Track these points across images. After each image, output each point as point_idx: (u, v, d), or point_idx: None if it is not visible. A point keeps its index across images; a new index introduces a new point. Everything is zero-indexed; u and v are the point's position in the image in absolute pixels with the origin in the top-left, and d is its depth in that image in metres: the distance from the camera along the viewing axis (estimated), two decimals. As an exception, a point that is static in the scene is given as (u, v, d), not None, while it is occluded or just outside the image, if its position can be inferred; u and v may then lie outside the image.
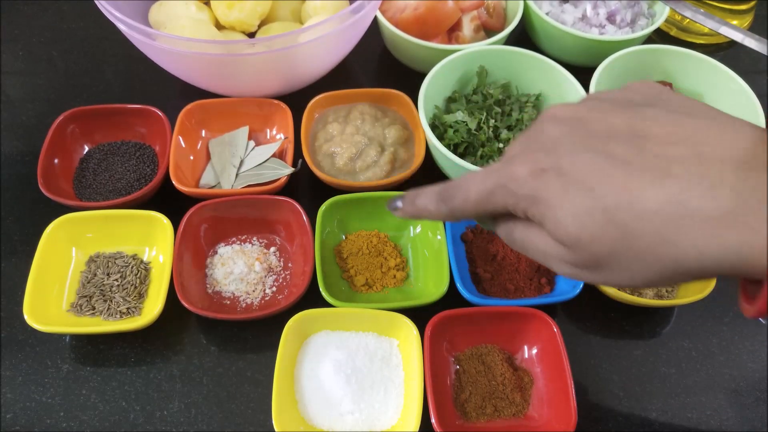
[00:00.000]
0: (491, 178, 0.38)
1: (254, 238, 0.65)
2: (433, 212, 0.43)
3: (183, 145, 0.68)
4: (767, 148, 0.30)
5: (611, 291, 0.58)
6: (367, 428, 0.53)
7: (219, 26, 0.75)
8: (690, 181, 0.30)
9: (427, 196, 0.43)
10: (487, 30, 0.80)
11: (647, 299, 0.59)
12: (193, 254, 0.62)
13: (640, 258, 0.32)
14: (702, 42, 0.87)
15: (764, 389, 0.58)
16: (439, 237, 0.62)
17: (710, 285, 0.58)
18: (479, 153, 0.67)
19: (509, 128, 0.69)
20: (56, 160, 0.67)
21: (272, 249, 0.64)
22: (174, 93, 0.78)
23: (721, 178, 0.30)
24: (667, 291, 0.61)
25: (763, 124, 0.65)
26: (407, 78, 0.76)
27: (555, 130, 0.37)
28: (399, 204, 0.46)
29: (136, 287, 0.60)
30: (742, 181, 0.29)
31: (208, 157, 0.70)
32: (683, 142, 0.32)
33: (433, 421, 0.50)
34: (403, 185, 0.67)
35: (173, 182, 0.64)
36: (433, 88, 0.69)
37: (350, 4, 0.70)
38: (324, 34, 0.63)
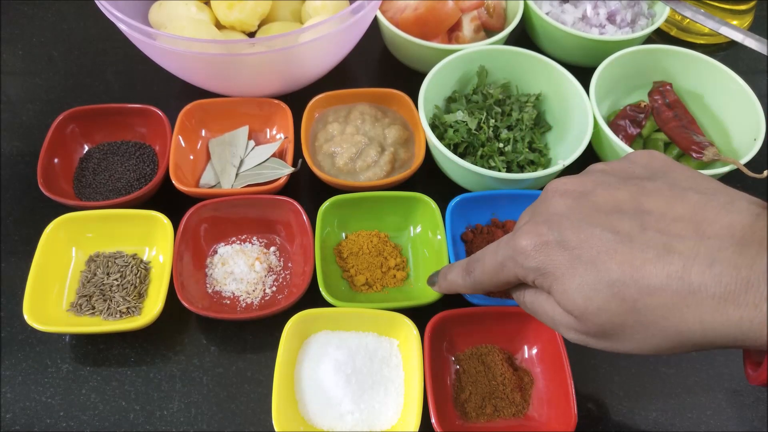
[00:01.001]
0: (502, 251, 0.41)
1: (254, 238, 0.65)
2: (461, 285, 0.47)
3: (183, 145, 0.68)
4: (766, 224, 0.31)
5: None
6: (367, 428, 0.53)
7: (219, 26, 0.75)
8: (691, 257, 0.32)
9: (455, 271, 0.48)
10: (487, 30, 0.80)
11: None
12: (193, 254, 0.62)
13: (645, 330, 0.33)
14: (702, 42, 0.87)
15: (764, 389, 0.58)
16: (439, 237, 0.62)
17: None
18: (479, 153, 0.67)
19: (509, 128, 0.69)
20: (56, 160, 0.67)
21: (272, 249, 0.64)
22: (174, 93, 0.78)
23: (721, 254, 0.31)
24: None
25: (763, 124, 0.66)
26: (407, 78, 0.76)
27: (560, 204, 0.38)
28: (436, 280, 0.52)
29: (136, 287, 0.60)
30: (742, 258, 0.30)
31: (208, 157, 0.70)
32: (684, 218, 0.33)
33: (433, 421, 0.50)
34: (403, 185, 0.67)
35: (173, 182, 0.64)
36: (433, 88, 0.69)
37: (350, 4, 0.70)
38: (324, 34, 0.63)
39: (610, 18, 0.80)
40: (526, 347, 0.58)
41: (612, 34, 0.79)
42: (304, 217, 0.62)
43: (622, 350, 0.36)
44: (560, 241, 0.36)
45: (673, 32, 0.88)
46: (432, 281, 0.52)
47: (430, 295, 0.58)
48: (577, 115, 0.68)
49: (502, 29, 0.79)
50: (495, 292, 0.60)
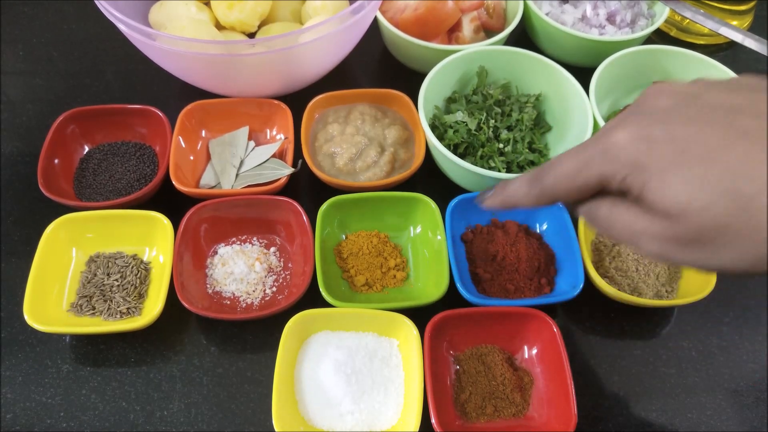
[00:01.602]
0: (587, 149, 0.37)
1: (254, 239, 0.65)
2: (523, 196, 0.42)
3: (183, 145, 0.68)
4: None
5: (611, 291, 0.58)
6: (367, 428, 0.53)
7: (219, 26, 0.75)
8: None
9: (519, 180, 0.43)
10: (487, 30, 0.80)
11: (647, 299, 0.59)
12: (193, 254, 0.62)
13: (752, 235, 0.30)
14: (702, 42, 0.87)
15: (764, 389, 0.58)
16: (439, 237, 0.62)
17: (710, 285, 0.58)
18: (479, 153, 0.67)
19: (509, 128, 0.69)
20: (56, 160, 0.67)
21: (272, 249, 0.65)
22: (174, 93, 0.78)
23: None
24: (666, 291, 0.61)
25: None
26: (407, 78, 0.76)
27: (666, 101, 0.35)
28: (489, 194, 0.45)
29: (136, 287, 0.60)
30: None
31: (208, 157, 0.70)
32: None
33: (433, 421, 0.50)
34: (403, 185, 0.67)
35: (173, 182, 0.64)
36: (433, 89, 0.69)
37: (350, 4, 0.70)
38: (324, 35, 0.63)
39: (610, 18, 0.80)
40: (526, 347, 0.58)
41: (612, 34, 0.79)
42: (304, 218, 0.62)
43: (714, 263, 0.32)
44: (666, 134, 0.33)
45: (673, 32, 0.88)
46: (482, 198, 0.46)
47: (430, 295, 0.58)
48: (577, 115, 0.68)
49: (502, 29, 0.79)
50: (495, 293, 0.60)
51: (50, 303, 0.58)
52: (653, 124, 0.34)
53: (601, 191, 0.37)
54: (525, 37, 0.85)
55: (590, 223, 0.39)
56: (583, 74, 0.70)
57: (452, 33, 0.78)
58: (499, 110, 0.70)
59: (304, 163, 0.67)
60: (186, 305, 0.56)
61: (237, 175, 0.67)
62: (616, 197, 0.37)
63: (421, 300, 0.58)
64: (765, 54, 0.75)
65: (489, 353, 0.57)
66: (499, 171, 0.66)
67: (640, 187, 0.34)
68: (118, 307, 0.59)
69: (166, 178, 0.65)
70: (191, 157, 0.69)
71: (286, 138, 0.69)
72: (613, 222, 0.37)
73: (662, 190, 0.33)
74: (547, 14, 0.80)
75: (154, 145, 0.71)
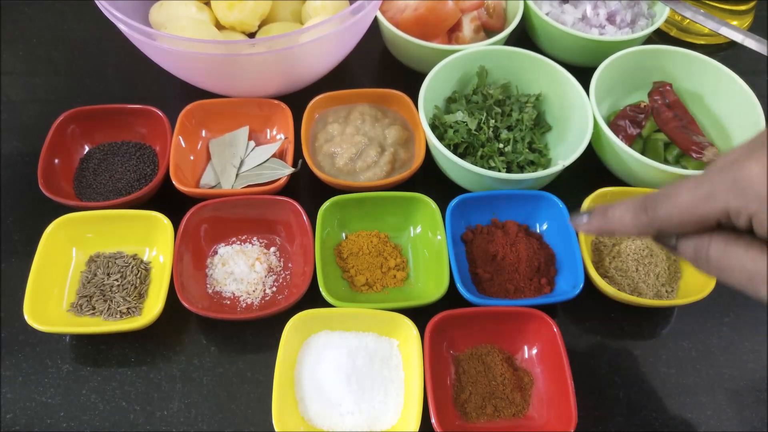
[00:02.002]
0: (712, 179, 0.36)
1: (254, 239, 0.65)
2: (629, 223, 0.41)
3: (183, 145, 0.68)
4: None
5: (611, 291, 0.58)
6: (367, 428, 0.53)
7: (219, 26, 0.75)
8: None
9: (622, 208, 0.41)
10: (487, 30, 0.80)
11: (647, 299, 0.59)
12: (193, 254, 0.62)
13: None
14: (702, 42, 0.87)
15: (764, 389, 0.58)
16: (439, 237, 0.62)
17: (710, 285, 0.58)
18: (479, 153, 0.67)
19: (509, 128, 0.69)
20: (56, 160, 0.67)
21: (272, 249, 0.65)
22: (174, 93, 0.78)
23: None
24: (666, 291, 0.61)
25: (763, 125, 0.65)
26: (407, 78, 0.76)
27: None
28: (584, 219, 0.44)
29: (136, 287, 0.60)
30: None
31: (208, 157, 0.70)
32: None
33: (433, 421, 0.50)
34: (403, 185, 0.67)
35: (173, 182, 0.64)
36: (433, 89, 0.69)
37: (350, 4, 0.70)
38: (324, 35, 0.63)
39: (610, 18, 0.80)
40: (526, 347, 0.58)
41: (612, 34, 0.79)
42: (304, 218, 0.62)
43: None
44: None
45: (673, 32, 0.88)
46: (578, 221, 0.45)
47: (430, 295, 0.58)
48: (577, 115, 0.68)
49: (502, 29, 0.79)
50: (495, 293, 0.61)
51: (50, 303, 0.58)
52: None
53: (715, 227, 0.36)
54: (525, 37, 0.85)
55: (696, 262, 0.38)
56: (583, 74, 0.70)
57: (452, 33, 0.78)
58: (499, 110, 0.70)
59: (304, 163, 0.67)
60: (186, 305, 0.56)
61: (237, 175, 0.67)
62: (731, 234, 0.36)
63: (421, 300, 0.58)
64: (765, 54, 0.75)
65: (489, 353, 0.57)
66: (499, 171, 0.66)
67: None
68: (118, 307, 0.59)
69: (166, 178, 0.65)
70: (191, 157, 0.69)
71: (286, 138, 0.69)
72: (728, 262, 0.36)
73: None
74: (547, 14, 0.80)
75: (154, 145, 0.71)
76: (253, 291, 0.61)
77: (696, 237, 0.38)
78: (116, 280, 0.60)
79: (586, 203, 0.63)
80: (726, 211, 0.35)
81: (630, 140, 0.69)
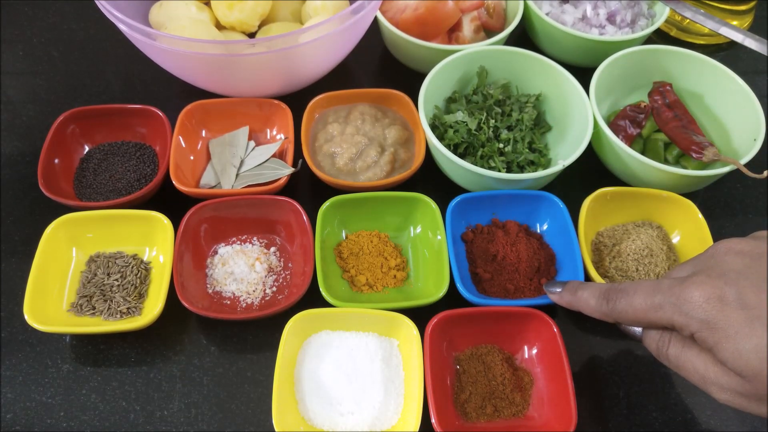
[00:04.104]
0: (661, 293, 0.40)
1: (254, 238, 0.65)
2: (592, 307, 0.47)
3: (183, 145, 0.68)
4: None
5: (611, 291, 0.58)
6: (367, 428, 0.53)
7: (219, 26, 0.75)
8: None
9: (589, 291, 0.47)
10: (487, 30, 0.80)
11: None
12: (194, 254, 0.62)
13: None
14: (702, 42, 0.87)
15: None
16: (439, 237, 0.62)
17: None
18: (479, 153, 0.67)
19: (509, 128, 0.69)
20: (56, 160, 0.67)
21: (272, 249, 0.65)
22: (174, 93, 0.78)
23: None
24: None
25: (763, 125, 0.66)
26: (407, 78, 0.76)
27: (736, 262, 0.38)
28: (558, 290, 0.51)
29: (136, 287, 0.60)
30: None
31: (209, 157, 0.70)
32: None
33: (433, 421, 0.50)
34: (403, 185, 0.67)
35: (173, 182, 0.64)
36: (433, 89, 0.69)
37: (350, 4, 0.70)
38: (324, 35, 0.63)
39: (610, 18, 0.80)
40: (526, 347, 0.58)
41: (612, 34, 0.79)
42: (305, 218, 0.62)
43: None
44: (738, 299, 0.36)
45: (673, 32, 0.88)
46: (552, 290, 0.52)
47: (430, 295, 0.58)
48: (577, 115, 0.68)
49: (502, 29, 0.79)
50: (495, 293, 0.60)
51: (50, 303, 0.58)
52: (726, 286, 0.37)
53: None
54: (525, 37, 0.85)
55: (657, 356, 0.43)
56: (583, 74, 0.70)
57: (452, 33, 0.78)
58: (499, 110, 0.70)
59: (304, 163, 0.67)
60: (186, 305, 0.56)
61: (237, 175, 0.67)
62: (686, 339, 0.40)
63: (421, 300, 0.58)
64: (765, 54, 0.75)
65: (489, 353, 0.57)
66: (499, 171, 0.66)
67: (711, 344, 0.37)
68: (118, 306, 0.59)
69: (166, 178, 0.65)
70: (191, 157, 0.69)
71: (286, 138, 0.69)
72: (683, 363, 0.41)
73: (735, 353, 0.36)
74: (547, 14, 0.80)
75: (154, 145, 0.71)
76: (253, 291, 0.61)
77: (658, 333, 0.43)
78: (116, 280, 0.60)
79: (586, 203, 0.63)
80: (671, 324, 0.40)
81: (630, 140, 0.69)
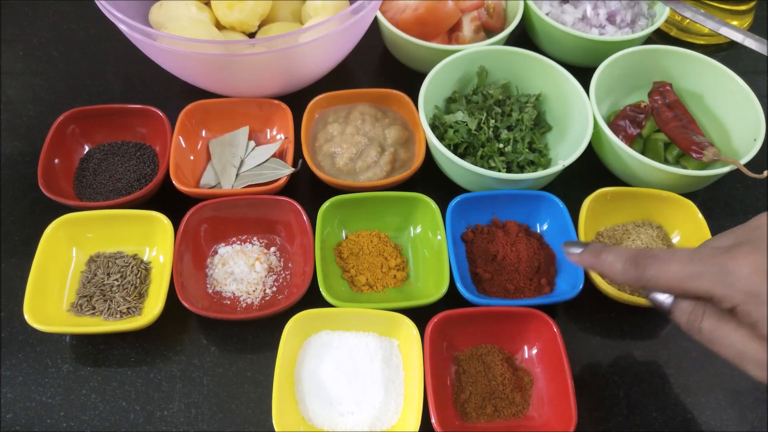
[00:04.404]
0: (701, 262, 0.38)
1: (254, 238, 0.65)
2: (617, 270, 0.44)
3: (183, 145, 0.68)
4: None
5: (611, 291, 0.58)
6: (367, 428, 0.53)
7: (219, 26, 0.75)
8: None
9: (615, 254, 0.44)
10: (487, 30, 0.80)
11: (647, 299, 0.59)
12: (194, 254, 0.62)
13: None
14: (702, 42, 0.87)
15: (764, 389, 0.58)
16: (439, 237, 0.62)
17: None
18: (479, 153, 0.67)
19: (509, 128, 0.69)
20: (56, 160, 0.67)
21: (272, 249, 0.65)
22: (174, 93, 0.78)
23: None
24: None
25: (763, 124, 0.66)
26: (407, 78, 0.76)
27: None
28: (578, 250, 0.47)
29: (136, 287, 0.60)
30: None
31: (209, 157, 0.70)
32: None
33: (433, 421, 0.50)
34: (403, 185, 0.67)
35: (173, 182, 0.64)
36: (433, 89, 0.69)
37: (350, 4, 0.70)
38: (324, 35, 0.63)
39: (610, 18, 0.80)
40: (526, 347, 0.58)
41: (612, 34, 0.79)
42: (304, 218, 0.62)
43: None
44: None
45: (673, 32, 0.88)
46: (572, 250, 0.48)
47: (430, 295, 0.58)
48: (577, 115, 0.68)
49: (502, 29, 0.79)
50: (495, 293, 0.60)
51: (50, 303, 0.58)
52: None
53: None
54: (525, 37, 0.85)
55: (687, 330, 0.41)
56: (583, 74, 0.70)
57: (452, 33, 0.78)
58: (499, 110, 0.70)
59: (304, 163, 0.67)
60: (186, 305, 0.56)
61: (237, 175, 0.67)
62: (723, 312, 0.38)
63: (421, 300, 0.58)
64: (765, 54, 0.75)
65: (489, 353, 0.57)
66: (499, 171, 0.66)
67: (756, 318, 0.36)
68: (118, 306, 0.59)
69: (166, 178, 0.65)
70: (191, 157, 0.69)
71: (286, 138, 0.69)
72: (718, 338, 0.39)
73: None
74: (547, 14, 0.80)
75: (154, 145, 0.71)
76: (253, 291, 0.61)
77: (690, 305, 0.41)
78: (116, 280, 0.60)
79: (586, 203, 0.63)
80: (710, 295, 0.38)
81: (630, 140, 0.69)
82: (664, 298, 0.45)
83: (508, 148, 0.67)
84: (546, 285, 0.61)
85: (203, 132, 0.71)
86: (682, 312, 0.42)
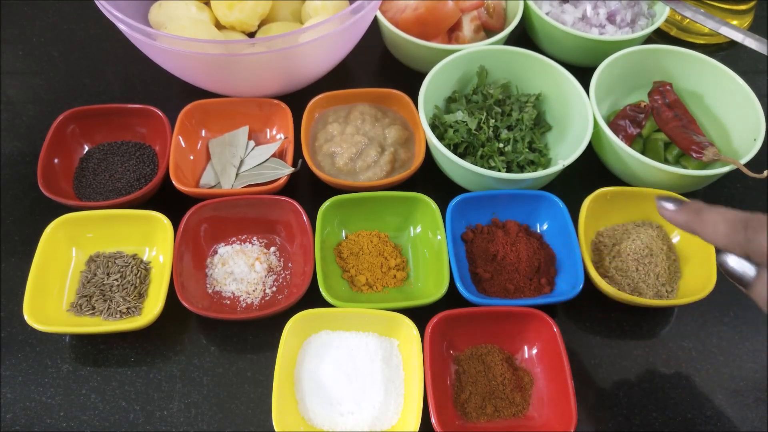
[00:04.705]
0: None
1: (254, 238, 0.65)
2: (721, 233, 0.40)
3: (183, 145, 0.68)
4: None
5: (611, 291, 0.58)
6: (367, 428, 0.53)
7: (219, 26, 0.75)
8: None
9: (721, 215, 0.40)
10: (487, 30, 0.80)
11: (647, 299, 0.59)
12: (193, 254, 0.62)
13: None
14: (702, 42, 0.87)
15: (764, 389, 0.58)
16: (439, 237, 0.62)
17: (710, 285, 0.58)
18: (479, 153, 0.67)
19: (509, 128, 0.69)
20: (56, 160, 0.67)
21: (272, 249, 0.65)
22: (174, 93, 0.78)
23: None
24: (667, 291, 0.61)
25: (763, 124, 0.66)
26: (407, 78, 0.76)
27: None
28: (671, 206, 0.43)
29: (136, 287, 0.60)
30: None
31: (208, 157, 0.70)
32: None
33: (433, 421, 0.50)
34: (403, 185, 0.67)
35: (173, 182, 0.64)
36: (433, 88, 0.69)
37: (350, 4, 0.70)
38: (324, 35, 0.63)
39: (610, 18, 0.80)
40: (526, 347, 0.58)
41: (612, 34, 0.79)
42: (304, 217, 0.62)
43: None
44: None
45: (673, 32, 0.88)
46: (665, 204, 0.43)
47: (430, 295, 0.58)
48: (577, 115, 0.68)
49: (502, 29, 0.78)
50: (495, 293, 0.60)
51: (50, 303, 0.58)
52: None
53: None
54: (525, 37, 0.85)
55: (762, 302, 0.38)
56: (583, 74, 0.70)
57: (452, 33, 0.78)
58: (499, 110, 0.70)
59: (304, 162, 0.66)
60: (186, 305, 0.56)
61: (237, 174, 0.67)
62: None
63: (421, 300, 0.58)
64: (765, 54, 0.75)
65: (489, 353, 0.57)
66: (499, 171, 0.66)
67: None
68: (118, 306, 0.59)
69: (166, 178, 0.65)
70: (191, 157, 0.69)
71: (286, 138, 0.69)
72: None
73: None
74: (547, 14, 0.80)
75: (154, 144, 0.71)
76: (253, 291, 0.61)
77: None
78: (116, 279, 0.60)
79: (586, 203, 0.63)
80: None
81: (630, 140, 0.69)
82: (746, 269, 0.41)
83: (508, 148, 0.67)
84: (546, 285, 0.61)
85: (203, 132, 0.71)
86: (765, 286, 0.38)
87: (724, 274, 0.43)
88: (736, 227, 0.39)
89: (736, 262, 0.42)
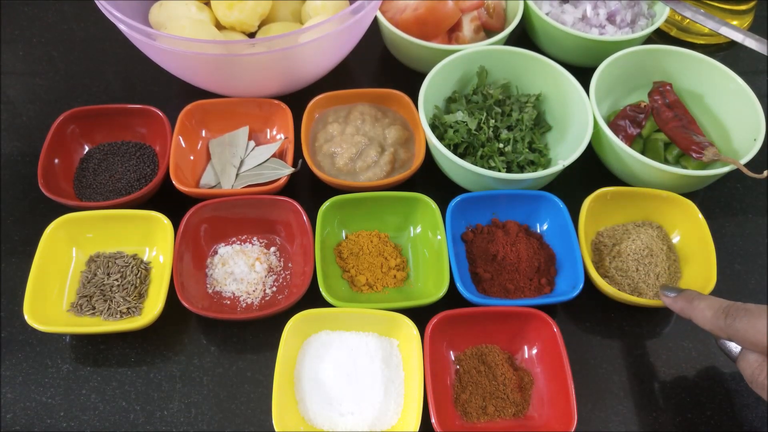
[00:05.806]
0: None
1: (254, 238, 0.65)
2: (707, 318, 0.47)
3: (183, 145, 0.68)
4: None
5: (611, 291, 0.58)
6: (367, 428, 0.53)
7: (219, 26, 0.75)
8: None
9: (708, 302, 0.48)
10: (487, 30, 0.80)
11: (647, 299, 0.59)
12: (193, 254, 0.62)
13: None
14: (702, 42, 0.87)
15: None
16: (439, 237, 0.62)
17: (710, 285, 0.58)
18: (479, 153, 0.67)
19: (509, 128, 0.69)
20: (56, 160, 0.67)
21: (272, 249, 0.65)
22: (174, 93, 0.78)
23: None
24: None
25: (763, 124, 0.66)
26: (407, 78, 0.76)
27: None
28: (672, 295, 0.52)
29: (136, 287, 0.60)
30: None
31: (208, 157, 0.70)
32: None
33: (433, 421, 0.50)
34: (403, 185, 0.67)
35: (173, 182, 0.64)
36: (433, 89, 0.69)
37: (350, 4, 0.70)
38: (324, 35, 0.63)
39: (610, 18, 0.80)
40: (526, 347, 0.58)
41: (612, 34, 0.79)
42: (304, 218, 0.62)
43: None
44: None
45: (673, 32, 0.88)
46: (667, 293, 0.52)
47: (430, 295, 0.58)
48: (577, 115, 0.68)
49: (502, 29, 0.79)
50: (495, 293, 0.61)
51: (50, 303, 0.58)
52: None
53: None
54: (525, 37, 0.85)
55: (750, 381, 0.45)
56: (583, 74, 0.70)
57: (452, 33, 0.78)
58: (499, 110, 0.70)
59: (304, 163, 0.67)
60: (186, 305, 0.56)
61: (237, 175, 0.67)
62: None
63: (421, 300, 0.58)
64: (765, 54, 0.75)
65: (489, 353, 0.57)
66: (499, 171, 0.66)
67: None
68: (118, 307, 0.59)
69: (166, 178, 0.65)
70: (191, 157, 0.69)
71: (286, 138, 0.69)
72: None
73: None
74: (547, 14, 0.80)
75: (154, 145, 0.71)
76: (253, 291, 0.61)
77: (758, 360, 0.44)
78: (116, 280, 0.60)
79: (586, 203, 0.63)
80: None
81: (630, 140, 0.69)
82: (733, 347, 0.50)
83: (508, 148, 0.67)
84: (546, 285, 0.61)
85: (203, 132, 0.71)
86: (747, 365, 0.45)
87: (719, 347, 0.52)
88: (718, 314, 0.46)
89: (725, 340, 0.51)
